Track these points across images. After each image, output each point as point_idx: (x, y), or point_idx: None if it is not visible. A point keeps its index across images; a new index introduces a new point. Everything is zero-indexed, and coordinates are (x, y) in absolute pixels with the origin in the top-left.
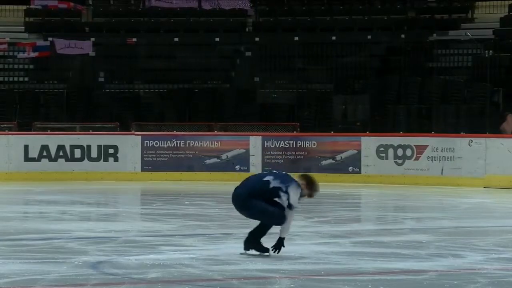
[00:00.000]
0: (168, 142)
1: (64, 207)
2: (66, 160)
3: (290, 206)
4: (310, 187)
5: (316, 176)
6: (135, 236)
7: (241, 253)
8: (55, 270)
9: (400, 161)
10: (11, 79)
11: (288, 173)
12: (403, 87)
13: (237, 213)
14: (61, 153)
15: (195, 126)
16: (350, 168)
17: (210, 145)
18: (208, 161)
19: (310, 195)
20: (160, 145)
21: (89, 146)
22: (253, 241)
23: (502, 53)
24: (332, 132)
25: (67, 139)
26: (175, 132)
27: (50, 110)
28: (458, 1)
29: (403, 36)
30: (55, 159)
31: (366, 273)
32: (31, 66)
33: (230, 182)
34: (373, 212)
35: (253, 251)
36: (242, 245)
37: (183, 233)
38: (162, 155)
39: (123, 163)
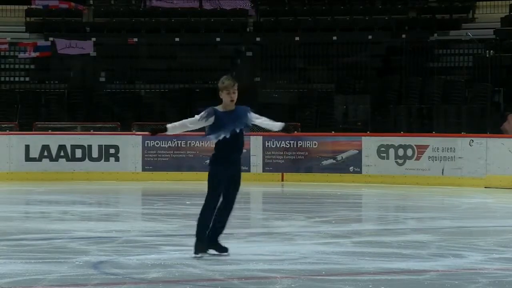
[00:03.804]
0: (169, 142)
1: (65, 207)
2: (67, 160)
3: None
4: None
5: (317, 176)
6: (136, 236)
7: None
8: (56, 270)
9: (401, 161)
10: (12, 79)
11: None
12: (404, 87)
13: (238, 213)
14: (62, 153)
15: None
16: (351, 168)
17: (211, 145)
18: (208, 161)
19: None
20: (161, 145)
21: (90, 146)
22: (212, 241)
23: (503, 53)
24: (333, 132)
25: (68, 139)
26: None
27: (51, 110)
28: (459, 1)
29: (404, 36)
30: (56, 159)
31: (367, 273)
32: (32, 66)
33: None
34: (374, 212)
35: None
36: (243, 245)
37: (184, 233)
38: (163, 155)
39: (124, 163)
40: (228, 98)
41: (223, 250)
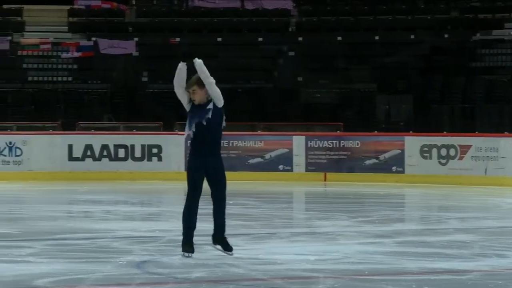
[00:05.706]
0: None
1: (108, 206)
2: (110, 160)
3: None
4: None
5: (359, 175)
6: (179, 236)
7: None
8: (99, 269)
9: (443, 161)
10: (55, 79)
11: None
12: (447, 86)
13: (281, 213)
14: (105, 153)
15: (237, 126)
16: (394, 168)
17: (254, 145)
18: (251, 161)
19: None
20: None
21: (133, 146)
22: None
23: None
24: (376, 132)
25: (111, 139)
26: None
27: (93, 110)
28: (501, 0)
29: (446, 35)
30: (99, 159)
31: (410, 273)
32: (75, 66)
33: (274, 182)
34: (417, 212)
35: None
36: (286, 245)
37: (226, 232)
38: None
39: (167, 162)
40: (192, 97)
41: (229, 249)
